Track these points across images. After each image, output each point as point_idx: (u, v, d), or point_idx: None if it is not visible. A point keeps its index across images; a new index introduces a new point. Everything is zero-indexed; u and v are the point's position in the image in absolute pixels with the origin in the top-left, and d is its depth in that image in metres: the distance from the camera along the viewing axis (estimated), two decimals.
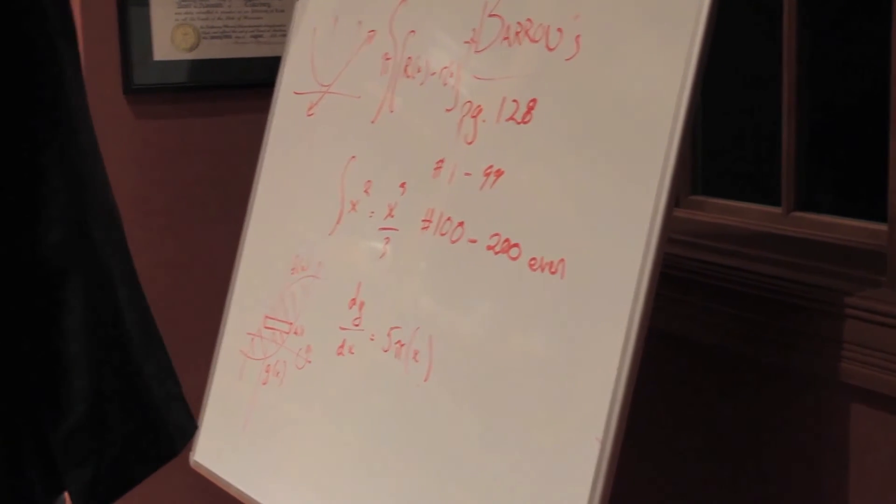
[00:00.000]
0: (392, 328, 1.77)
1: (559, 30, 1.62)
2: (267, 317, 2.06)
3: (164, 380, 1.45)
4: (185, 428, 1.48)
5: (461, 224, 1.70)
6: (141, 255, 2.41)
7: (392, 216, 1.83)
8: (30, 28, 1.30)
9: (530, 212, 1.61)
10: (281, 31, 2.51)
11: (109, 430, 1.36)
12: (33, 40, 1.31)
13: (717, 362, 1.96)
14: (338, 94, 2.03)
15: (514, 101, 1.66)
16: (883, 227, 1.84)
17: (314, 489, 1.86)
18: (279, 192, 2.13)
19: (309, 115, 2.09)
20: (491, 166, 1.68)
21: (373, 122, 1.92)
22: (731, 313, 1.89)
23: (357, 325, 1.85)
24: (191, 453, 2.15)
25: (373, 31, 1.97)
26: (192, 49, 2.47)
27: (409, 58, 1.88)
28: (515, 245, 1.61)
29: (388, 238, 1.83)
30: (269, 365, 2.03)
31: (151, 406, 1.42)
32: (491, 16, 1.73)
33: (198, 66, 2.48)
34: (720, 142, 2.32)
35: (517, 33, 1.69)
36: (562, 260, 1.55)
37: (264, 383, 2.03)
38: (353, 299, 1.86)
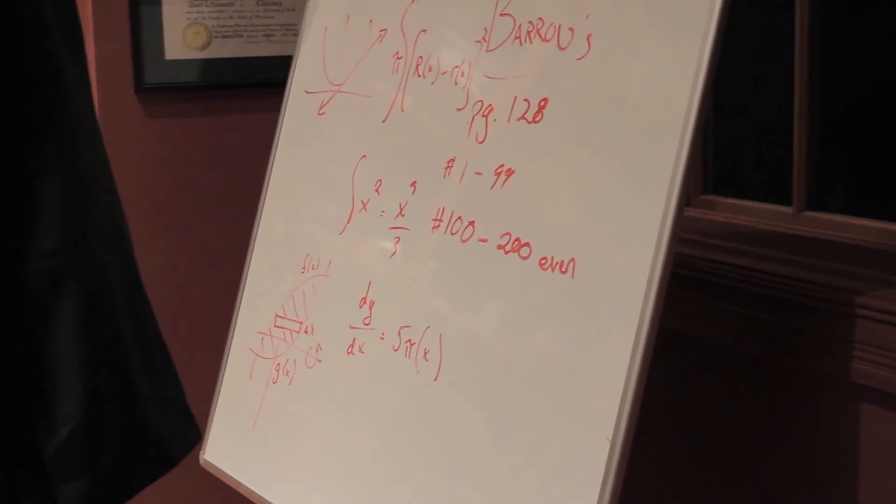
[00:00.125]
0: (402, 327, 1.77)
1: (570, 29, 1.62)
2: (277, 315, 2.06)
3: (163, 389, 1.44)
4: (186, 437, 1.46)
5: (472, 223, 1.70)
6: (151, 253, 2.43)
7: (402, 215, 1.83)
8: (25, 27, 1.28)
9: (541, 211, 1.61)
10: (292, 31, 2.51)
11: (104, 441, 1.34)
12: (28, 40, 1.29)
13: (727, 362, 1.96)
14: (349, 93, 2.03)
15: (526, 100, 1.66)
16: (895, 226, 1.83)
17: (323, 488, 1.86)
18: (290, 191, 2.13)
19: (320, 115, 2.09)
20: (502, 165, 1.68)
21: (384, 121, 1.92)
22: (742, 313, 1.89)
23: (367, 324, 1.85)
24: (201, 452, 2.15)
25: (384, 30, 1.97)
26: (203, 48, 2.47)
27: (420, 57, 1.87)
28: (526, 244, 1.61)
29: (398, 237, 1.83)
30: (279, 364, 2.03)
31: (148, 417, 1.40)
32: (502, 15, 1.73)
33: (209, 65, 2.48)
34: (731, 141, 2.32)
35: (528, 32, 1.68)
36: (572, 259, 1.55)
37: (274, 382, 2.03)
38: (364, 298, 1.86)
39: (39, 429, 1.30)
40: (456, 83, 1.79)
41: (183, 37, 2.45)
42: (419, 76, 1.87)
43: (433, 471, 1.67)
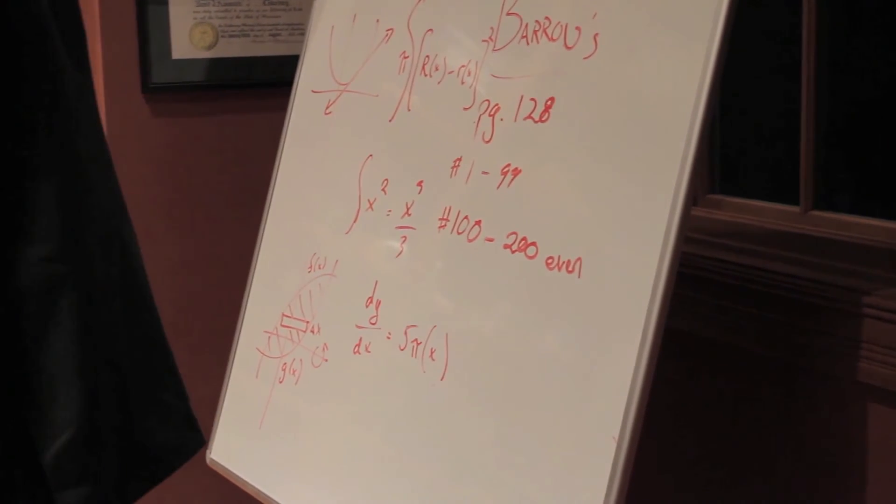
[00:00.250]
0: (408, 327, 1.77)
1: (577, 28, 1.62)
2: (284, 315, 2.06)
3: (164, 395, 1.43)
4: (186, 444, 1.45)
5: (478, 223, 1.70)
6: (157, 253, 2.43)
7: (409, 215, 1.83)
8: (21, 28, 1.27)
9: (547, 211, 1.61)
10: (299, 30, 2.51)
11: (102, 448, 1.33)
12: (24, 41, 1.27)
13: (734, 362, 1.95)
14: (355, 92, 2.03)
15: (532, 99, 1.66)
16: None
17: (330, 487, 1.86)
18: (296, 190, 2.13)
19: (326, 114, 2.09)
20: (508, 165, 1.67)
21: (390, 120, 1.92)
22: (749, 312, 1.89)
23: (373, 324, 1.85)
24: (207, 451, 2.15)
25: (390, 29, 1.97)
26: (210, 47, 2.47)
27: (427, 56, 1.87)
28: (532, 244, 1.61)
29: (404, 237, 1.83)
30: (285, 363, 2.03)
31: (147, 423, 1.39)
32: (509, 14, 1.73)
33: (216, 64, 2.48)
34: (738, 140, 2.31)
35: (535, 32, 1.68)
36: (579, 259, 1.54)
37: (281, 381, 2.04)
38: (370, 298, 1.86)
39: (37, 436, 1.29)
40: (462, 82, 1.79)
41: (190, 36, 2.45)
42: (426, 75, 1.87)
43: (439, 470, 1.67)
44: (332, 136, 2.07)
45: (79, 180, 1.32)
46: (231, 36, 2.49)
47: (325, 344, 1.95)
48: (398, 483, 1.74)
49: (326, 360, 1.94)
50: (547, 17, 1.67)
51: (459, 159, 1.76)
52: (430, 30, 1.88)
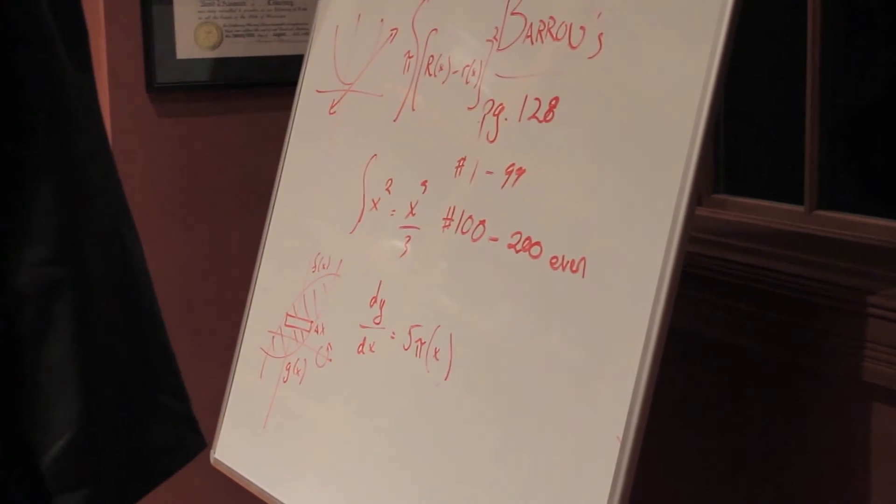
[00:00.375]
0: (413, 326, 1.77)
1: (582, 28, 1.62)
2: (288, 315, 2.06)
3: (164, 398, 1.42)
4: (186, 447, 1.45)
5: (482, 222, 1.70)
6: (162, 253, 2.43)
7: (413, 214, 1.83)
8: (18, 28, 1.26)
9: (552, 210, 1.61)
10: (303, 30, 2.51)
11: (101, 452, 1.32)
12: (22, 41, 1.26)
13: (738, 361, 1.95)
14: (360, 92, 2.03)
15: (537, 99, 1.66)
16: None
17: (333, 487, 1.86)
18: (301, 190, 2.13)
19: (331, 114, 2.09)
20: (512, 165, 1.67)
21: (394, 120, 1.92)
22: (754, 312, 1.88)
23: (378, 324, 1.85)
24: (211, 451, 2.15)
25: (395, 29, 1.97)
26: (214, 47, 2.47)
27: (432, 56, 1.87)
28: (536, 244, 1.61)
29: (409, 236, 1.83)
30: (289, 363, 2.03)
31: (147, 426, 1.39)
32: (513, 14, 1.73)
33: (220, 64, 2.48)
34: (743, 140, 2.31)
35: (540, 31, 1.68)
36: (583, 259, 1.54)
37: (285, 381, 2.04)
38: (374, 297, 1.86)
39: (35, 439, 1.29)
40: (467, 82, 1.79)
41: (194, 36, 2.45)
42: (430, 75, 1.87)
43: (443, 470, 1.67)
44: (337, 135, 2.07)
45: (78, 182, 1.32)
46: (236, 36, 2.49)
47: (329, 343, 1.95)
48: (402, 482, 1.74)
49: (330, 360, 1.94)
50: (552, 17, 1.67)
51: (464, 159, 1.76)
52: (435, 29, 1.88)
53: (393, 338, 1.81)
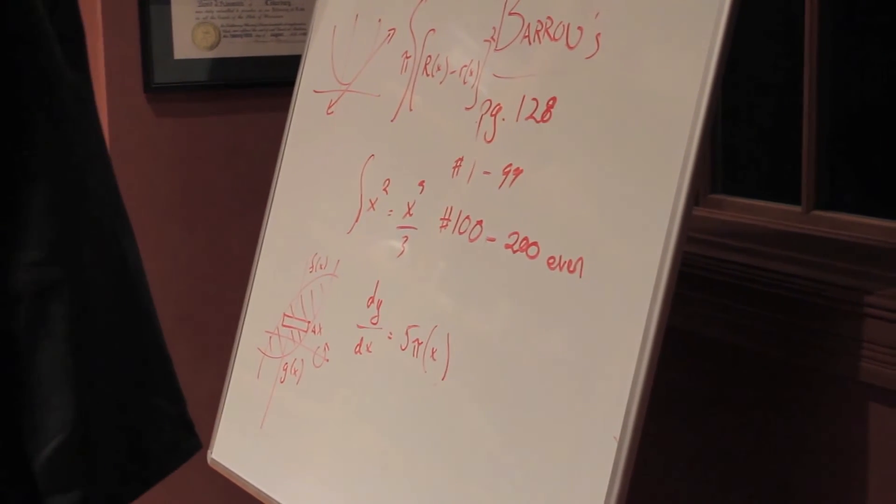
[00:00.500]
0: (410, 326, 1.77)
1: (579, 28, 1.62)
2: (285, 315, 2.06)
3: (159, 399, 1.42)
4: (181, 448, 1.44)
5: (479, 223, 1.70)
6: (159, 253, 2.43)
7: (410, 215, 1.83)
8: (14, 30, 1.25)
9: (549, 210, 1.61)
10: (301, 30, 2.51)
11: (94, 453, 1.32)
12: (17, 43, 1.26)
13: (735, 361, 1.95)
14: (357, 92, 2.03)
15: (534, 99, 1.66)
16: None
17: (331, 487, 1.86)
18: (298, 190, 2.13)
19: (328, 114, 2.09)
20: (510, 165, 1.67)
21: (392, 120, 1.92)
22: (750, 312, 1.89)
23: (375, 324, 1.84)
24: (208, 451, 2.15)
25: (392, 29, 1.97)
26: (212, 48, 2.47)
27: (429, 56, 1.87)
28: (534, 244, 1.61)
29: (406, 237, 1.83)
30: (286, 363, 2.03)
31: (141, 429, 1.38)
32: (511, 14, 1.73)
33: (218, 64, 2.48)
34: (740, 140, 2.31)
35: (537, 31, 1.68)
36: (580, 259, 1.54)
37: (282, 381, 2.04)
38: (371, 298, 1.86)
39: (28, 441, 1.29)
40: (464, 82, 1.79)
41: (192, 36, 2.45)
42: (428, 75, 1.87)
43: (440, 470, 1.67)
44: (334, 135, 2.07)
45: (74, 184, 1.31)
46: (233, 36, 2.49)
47: (326, 344, 1.95)
48: (399, 482, 1.74)
49: (328, 360, 1.94)
50: (549, 17, 1.67)
51: (461, 159, 1.76)
52: (433, 30, 1.88)
53: (390, 338, 1.81)
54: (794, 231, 2.04)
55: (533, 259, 1.60)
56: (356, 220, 1.95)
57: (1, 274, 1.26)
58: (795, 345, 1.82)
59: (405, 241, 1.83)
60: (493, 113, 1.72)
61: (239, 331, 2.18)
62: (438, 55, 1.86)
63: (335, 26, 2.12)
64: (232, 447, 2.12)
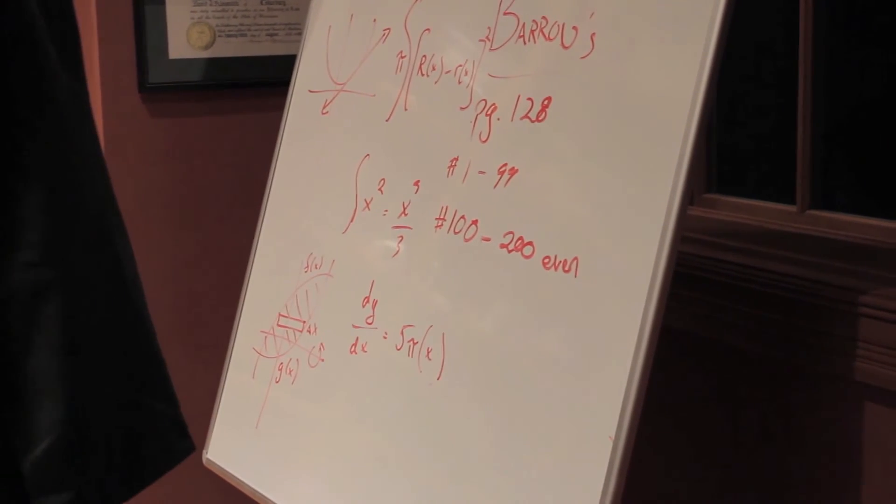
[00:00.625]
0: (405, 326, 1.77)
1: (574, 28, 1.62)
2: (280, 315, 2.06)
3: (152, 401, 1.41)
4: (174, 450, 1.44)
5: (475, 222, 1.70)
6: (154, 253, 2.43)
7: (406, 214, 1.83)
8: (8, 33, 1.25)
9: (544, 210, 1.61)
10: (296, 30, 2.51)
11: (85, 455, 1.31)
12: (12, 47, 1.26)
13: (730, 361, 1.95)
14: (352, 92, 2.03)
15: (529, 99, 1.66)
16: None
17: (326, 487, 1.86)
18: (293, 190, 2.13)
19: (323, 114, 2.09)
20: (505, 165, 1.67)
21: (387, 120, 1.92)
22: (746, 312, 1.89)
23: (370, 324, 1.84)
24: (203, 451, 2.15)
25: (387, 29, 1.96)
26: (207, 47, 2.47)
27: (424, 56, 1.87)
28: (529, 243, 1.61)
29: (401, 236, 1.83)
30: (282, 363, 2.03)
31: (133, 431, 1.38)
32: (506, 14, 1.73)
33: (213, 64, 2.48)
34: (735, 139, 2.31)
35: (532, 31, 1.68)
36: (575, 258, 1.54)
37: (277, 381, 2.03)
38: (367, 297, 1.86)
39: (18, 441, 1.28)
40: (459, 82, 1.79)
41: (187, 36, 2.45)
42: (423, 75, 1.87)
43: (436, 470, 1.67)
44: (329, 135, 2.06)
45: (67, 185, 1.31)
46: (228, 36, 2.49)
47: (321, 344, 1.95)
48: (395, 482, 1.74)
49: (323, 360, 1.94)
50: (544, 17, 1.67)
51: (456, 159, 1.76)
52: (427, 29, 1.88)
53: (385, 338, 1.81)
54: (790, 231, 2.04)
55: (528, 259, 1.60)
56: (351, 220, 1.95)
57: None
58: (790, 344, 1.82)
59: (400, 241, 1.83)
60: (489, 113, 1.72)
61: (234, 330, 2.18)
62: (433, 55, 1.86)
63: (330, 26, 2.12)
64: (227, 447, 2.12)
